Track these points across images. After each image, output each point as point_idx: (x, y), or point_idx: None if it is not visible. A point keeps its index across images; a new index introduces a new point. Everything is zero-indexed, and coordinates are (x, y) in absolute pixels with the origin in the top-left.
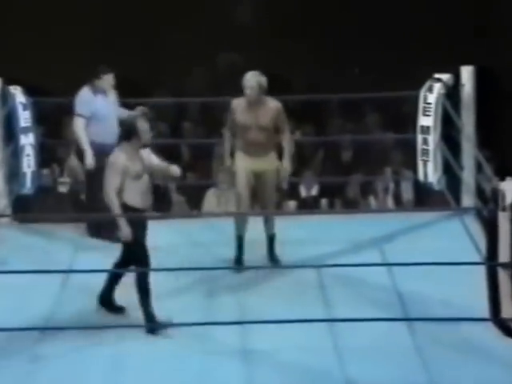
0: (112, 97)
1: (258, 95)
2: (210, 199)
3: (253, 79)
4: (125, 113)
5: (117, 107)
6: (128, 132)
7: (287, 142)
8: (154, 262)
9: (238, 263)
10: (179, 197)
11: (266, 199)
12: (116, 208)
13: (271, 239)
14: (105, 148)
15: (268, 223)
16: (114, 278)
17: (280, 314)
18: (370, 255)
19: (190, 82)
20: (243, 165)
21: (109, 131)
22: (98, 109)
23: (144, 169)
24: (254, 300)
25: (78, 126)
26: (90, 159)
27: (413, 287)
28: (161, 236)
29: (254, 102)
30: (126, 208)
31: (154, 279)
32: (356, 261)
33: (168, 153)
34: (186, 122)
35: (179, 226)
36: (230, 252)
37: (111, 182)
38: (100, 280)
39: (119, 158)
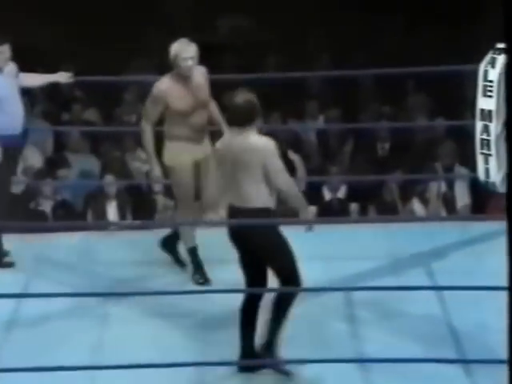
0: (11, 72)
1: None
2: None
3: (192, 48)
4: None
5: (17, 84)
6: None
7: (217, 113)
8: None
9: (203, 278)
10: (167, 200)
11: (209, 192)
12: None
13: (193, 253)
14: (7, 141)
15: (187, 232)
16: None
17: (298, 349)
18: (414, 276)
19: None
20: (185, 158)
21: (11, 119)
22: None
23: None
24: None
25: None
26: None
27: (469, 318)
28: (139, 248)
29: (188, 78)
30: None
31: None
32: (395, 283)
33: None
34: None
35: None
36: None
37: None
38: None
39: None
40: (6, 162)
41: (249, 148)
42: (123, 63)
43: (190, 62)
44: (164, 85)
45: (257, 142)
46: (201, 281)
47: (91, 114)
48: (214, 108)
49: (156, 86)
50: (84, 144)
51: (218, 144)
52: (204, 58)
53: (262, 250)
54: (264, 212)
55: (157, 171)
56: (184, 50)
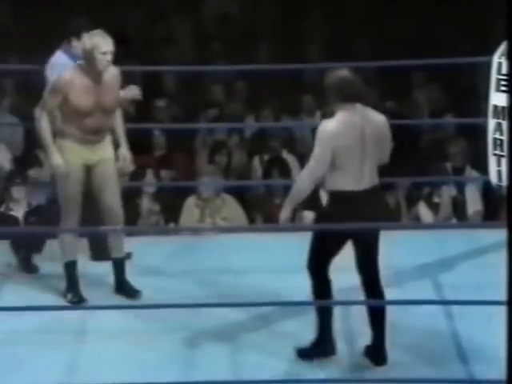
0: None
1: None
2: (191, 209)
3: (109, 42)
4: None
5: None
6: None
7: (120, 121)
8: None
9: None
10: (152, 204)
11: (106, 198)
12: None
13: (119, 264)
14: None
15: (114, 241)
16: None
17: (295, 366)
18: (419, 289)
19: None
20: (74, 159)
21: None
22: None
23: None
24: (253, 351)
25: None
26: None
27: (478, 335)
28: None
29: (99, 75)
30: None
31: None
32: (398, 296)
33: (135, 141)
34: (160, 100)
35: (148, 243)
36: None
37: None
38: None
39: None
40: None
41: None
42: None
43: (108, 57)
44: (69, 76)
45: None
46: (74, 300)
47: None
48: (118, 116)
49: (60, 75)
50: None
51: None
52: (191, 48)
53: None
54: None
55: (57, 160)
56: (103, 43)
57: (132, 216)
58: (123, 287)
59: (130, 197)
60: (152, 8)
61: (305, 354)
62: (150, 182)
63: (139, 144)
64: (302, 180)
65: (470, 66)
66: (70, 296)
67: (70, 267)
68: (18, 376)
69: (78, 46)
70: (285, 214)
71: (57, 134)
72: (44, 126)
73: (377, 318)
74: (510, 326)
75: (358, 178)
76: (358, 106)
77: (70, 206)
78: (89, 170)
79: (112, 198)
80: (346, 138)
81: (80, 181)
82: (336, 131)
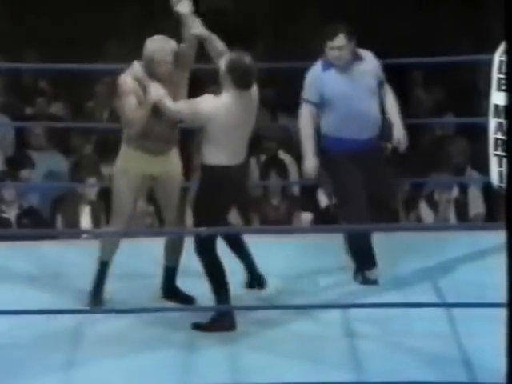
0: None
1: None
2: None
3: (169, 47)
4: None
5: None
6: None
7: None
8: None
9: (97, 296)
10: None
11: (167, 216)
12: None
13: (171, 271)
14: None
15: (170, 249)
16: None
17: (295, 369)
18: (420, 292)
19: None
20: (135, 169)
21: None
22: None
23: None
24: (252, 357)
25: None
26: None
27: (480, 338)
28: (116, 259)
29: (167, 81)
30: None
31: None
32: (398, 299)
33: None
34: None
35: (141, 246)
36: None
37: None
38: None
39: None
40: None
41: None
42: (95, 48)
43: (168, 66)
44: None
45: None
46: (94, 303)
47: (58, 108)
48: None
49: (125, 80)
50: (50, 141)
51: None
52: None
53: None
54: None
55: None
56: (160, 48)
57: None
58: (97, 293)
59: None
60: (145, 3)
61: (203, 327)
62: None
63: None
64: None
65: (470, 64)
66: (91, 299)
67: (103, 267)
68: (13, 381)
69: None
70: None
71: (123, 139)
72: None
73: (236, 246)
74: (510, 328)
75: (235, 153)
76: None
77: (118, 213)
78: (151, 180)
79: (172, 216)
80: (227, 118)
81: (135, 191)
82: (217, 111)
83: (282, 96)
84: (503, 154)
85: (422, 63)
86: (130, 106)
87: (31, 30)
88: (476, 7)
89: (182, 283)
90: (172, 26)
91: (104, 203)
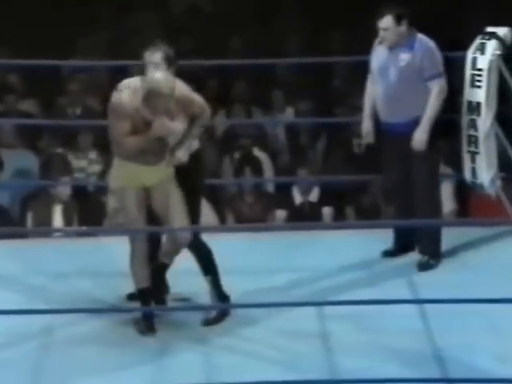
0: None
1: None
2: None
3: (173, 83)
4: None
5: None
6: None
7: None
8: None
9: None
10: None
11: (168, 220)
12: None
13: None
14: None
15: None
16: None
17: (269, 367)
18: (395, 288)
19: None
20: (131, 182)
21: None
22: None
23: None
24: (226, 355)
25: None
26: None
27: (455, 335)
28: (88, 258)
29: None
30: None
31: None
32: (373, 296)
33: (101, 138)
34: None
35: (115, 244)
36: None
37: None
38: None
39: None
40: None
41: None
42: (68, 44)
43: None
44: (130, 91)
45: None
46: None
47: (29, 105)
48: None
49: (123, 94)
50: (20, 139)
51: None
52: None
53: None
54: None
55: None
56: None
57: (97, 215)
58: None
59: (96, 195)
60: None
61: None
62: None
63: (105, 141)
64: None
65: (444, 61)
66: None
67: (144, 294)
68: None
69: None
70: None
71: (115, 154)
72: None
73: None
74: None
75: None
76: None
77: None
78: (147, 191)
79: (182, 221)
80: None
81: (137, 204)
82: None
83: (256, 92)
84: (476, 150)
85: None
86: (123, 130)
87: (1, 26)
88: (452, 4)
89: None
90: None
91: (76, 202)
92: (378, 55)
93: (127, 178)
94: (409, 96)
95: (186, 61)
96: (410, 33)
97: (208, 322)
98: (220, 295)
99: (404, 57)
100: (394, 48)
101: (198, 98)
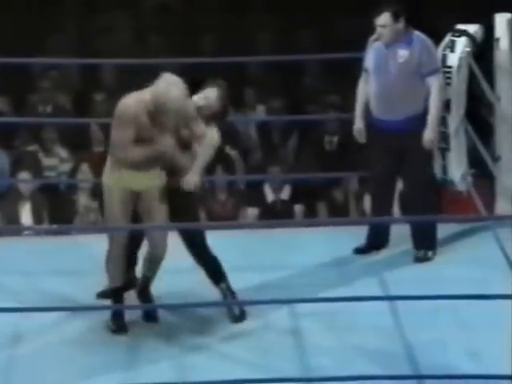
0: None
1: None
2: None
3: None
4: None
5: None
6: None
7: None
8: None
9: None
10: (90, 202)
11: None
12: None
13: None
14: None
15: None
16: None
17: (239, 366)
18: (365, 285)
19: None
20: (120, 183)
21: None
22: None
23: None
24: (198, 354)
25: None
26: None
27: (424, 331)
28: (58, 256)
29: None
30: None
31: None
32: (344, 293)
33: (72, 136)
34: (98, 93)
35: (85, 243)
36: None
37: None
38: None
39: None
40: None
41: None
42: (39, 41)
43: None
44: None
45: None
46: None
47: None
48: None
49: (129, 103)
50: None
51: None
52: (130, 40)
53: None
54: None
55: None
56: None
57: (68, 213)
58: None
59: (66, 193)
60: None
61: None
62: (86, 179)
63: (76, 139)
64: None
65: None
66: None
67: (116, 293)
68: None
69: None
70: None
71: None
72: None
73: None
74: None
75: None
76: None
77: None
78: (136, 196)
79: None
80: None
81: (122, 205)
82: None
83: (227, 90)
84: (446, 146)
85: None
86: (126, 137)
87: None
88: (419, 4)
89: None
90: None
91: (46, 200)
92: (375, 53)
93: (116, 178)
94: (406, 93)
95: (157, 59)
96: (407, 30)
97: (236, 319)
98: (233, 297)
99: (402, 53)
100: (391, 45)
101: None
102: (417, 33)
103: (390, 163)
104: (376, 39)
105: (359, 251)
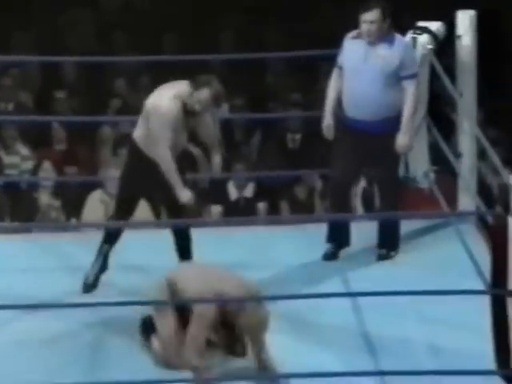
0: None
1: None
2: (94, 205)
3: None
4: None
5: None
6: None
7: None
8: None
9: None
10: (51, 200)
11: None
12: None
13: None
14: None
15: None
16: None
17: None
18: (328, 282)
19: None
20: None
21: None
22: None
23: None
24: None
25: None
26: None
27: (386, 327)
28: (20, 254)
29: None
30: None
31: None
32: (306, 290)
33: (33, 134)
34: (59, 91)
35: (48, 241)
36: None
37: None
38: None
39: None
40: None
41: None
42: (2, 39)
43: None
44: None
45: None
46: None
47: None
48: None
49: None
50: None
51: None
52: (92, 37)
53: None
54: None
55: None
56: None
57: (29, 211)
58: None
59: (28, 191)
60: None
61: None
62: (47, 177)
63: (38, 137)
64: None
65: None
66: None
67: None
68: None
69: None
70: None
71: None
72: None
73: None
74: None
75: None
76: None
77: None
78: None
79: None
80: None
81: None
82: None
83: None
84: None
85: (329, 55)
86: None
87: None
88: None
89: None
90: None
91: (6, 198)
92: (352, 50)
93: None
94: (383, 94)
95: (120, 57)
96: (389, 30)
97: None
98: None
99: (383, 53)
100: (373, 43)
101: None
102: (398, 35)
103: (355, 162)
104: (355, 36)
105: (328, 257)
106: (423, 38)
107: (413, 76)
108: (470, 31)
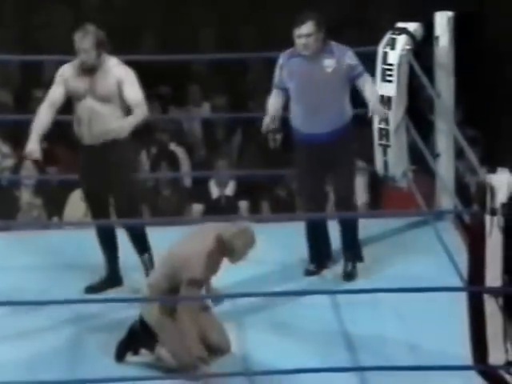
0: None
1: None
2: (75, 204)
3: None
4: None
5: None
6: None
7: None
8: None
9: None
10: (33, 198)
11: None
12: None
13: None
14: None
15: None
16: None
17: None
18: (307, 280)
19: None
20: None
21: None
22: None
23: None
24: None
25: None
26: None
27: (365, 324)
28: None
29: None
30: None
31: None
32: (286, 287)
33: (11, 132)
34: (38, 89)
35: (30, 238)
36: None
37: None
38: None
39: None
40: None
41: None
42: None
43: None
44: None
45: None
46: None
47: None
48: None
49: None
50: None
51: None
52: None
53: None
54: None
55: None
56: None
57: (11, 209)
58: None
59: (9, 190)
60: None
61: (93, 290)
62: (29, 175)
63: (19, 135)
64: None
65: (357, 55)
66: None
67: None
68: None
69: None
70: None
71: None
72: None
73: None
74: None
75: None
76: None
77: None
78: None
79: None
80: None
81: None
82: None
83: (172, 87)
84: (387, 143)
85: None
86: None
87: None
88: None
89: None
90: None
91: None
92: (294, 67)
93: None
94: (334, 104)
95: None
96: (325, 40)
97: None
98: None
99: (328, 63)
100: (313, 57)
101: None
102: (333, 42)
103: (319, 174)
104: (292, 54)
105: (310, 273)
106: (402, 39)
107: (363, 72)
108: (448, 32)
